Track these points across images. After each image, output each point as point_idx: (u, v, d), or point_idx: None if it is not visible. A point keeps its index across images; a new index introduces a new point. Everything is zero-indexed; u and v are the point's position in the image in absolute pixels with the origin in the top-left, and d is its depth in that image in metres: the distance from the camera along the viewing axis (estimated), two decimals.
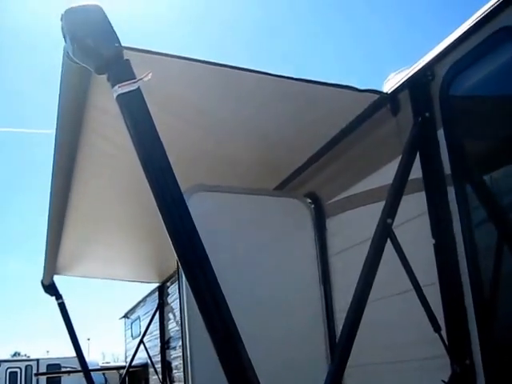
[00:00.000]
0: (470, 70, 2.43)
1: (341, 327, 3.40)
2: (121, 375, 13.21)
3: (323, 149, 3.52)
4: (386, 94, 2.88)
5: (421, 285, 2.46)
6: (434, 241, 2.50)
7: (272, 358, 3.05)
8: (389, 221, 2.41)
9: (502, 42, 2.27)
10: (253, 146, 3.63)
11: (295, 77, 2.78)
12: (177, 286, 7.40)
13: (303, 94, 3.00)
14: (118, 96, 1.98)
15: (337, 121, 3.25)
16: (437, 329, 2.40)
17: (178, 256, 1.85)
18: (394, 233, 2.42)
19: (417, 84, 2.66)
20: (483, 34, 2.32)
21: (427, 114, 2.55)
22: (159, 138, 1.97)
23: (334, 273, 3.55)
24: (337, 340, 3.47)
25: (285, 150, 3.65)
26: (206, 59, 2.60)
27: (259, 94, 3.03)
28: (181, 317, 3.11)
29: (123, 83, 1.98)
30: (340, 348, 2.22)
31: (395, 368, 2.84)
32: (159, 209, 1.89)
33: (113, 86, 1.99)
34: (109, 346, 60.84)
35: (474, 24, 2.34)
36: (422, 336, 2.54)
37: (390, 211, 2.43)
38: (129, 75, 1.99)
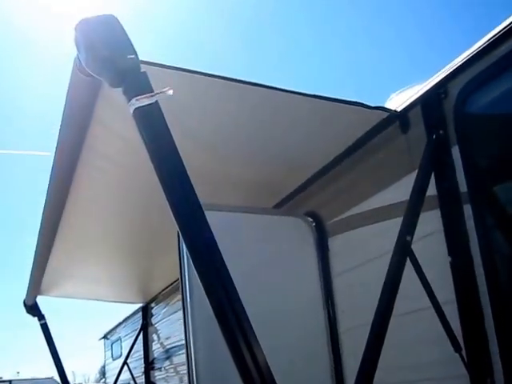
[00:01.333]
0: (484, 88, 2.43)
1: (345, 348, 3.39)
2: None
3: (327, 167, 3.48)
4: (396, 111, 2.87)
5: (440, 303, 2.42)
6: (450, 259, 2.47)
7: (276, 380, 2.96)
8: (408, 238, 2.37)
9: None
10: (252, 163, 3.57)
11: (300, 91, 2.72)
12: (162, 306, 7.29)
13: (307, 110, 2.95)
14: (136, 110, 1.90)
15: (342, 138, 3.21)
16: (457, 348, 2.35)
17: (196, 267, 1.75)
18: (412, 250, 2.39)
19: (429, 102, 2.65)
20: (498, 53, 2.33)
21: (441, 132, 2.54)
22: (178, 152, 1.90)
23: (337, 293, 3.48)
24: (342, 361, 3.40)
25: (286, 167, 3.60)
26: (210, 72, 2.54)
27: (261, 110, 2.95)
28: (185, 330, 3.03)
29: (141, 96, 1.90)
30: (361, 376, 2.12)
31: None
32: (178, 224, 1.80)
33: (129, 99, 1.91)
34: (79, 365, 59.32)
35: (489, 42, 2.35)
36: (441, 355, 2.49)
37: (408, 229, 2.39)
38: (146, 88, 1.92)
